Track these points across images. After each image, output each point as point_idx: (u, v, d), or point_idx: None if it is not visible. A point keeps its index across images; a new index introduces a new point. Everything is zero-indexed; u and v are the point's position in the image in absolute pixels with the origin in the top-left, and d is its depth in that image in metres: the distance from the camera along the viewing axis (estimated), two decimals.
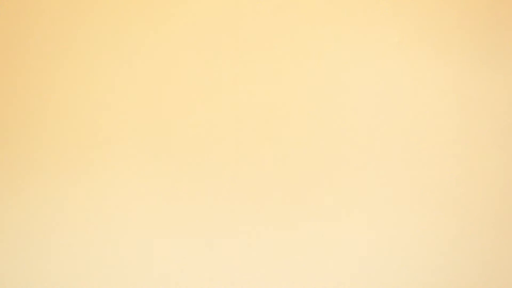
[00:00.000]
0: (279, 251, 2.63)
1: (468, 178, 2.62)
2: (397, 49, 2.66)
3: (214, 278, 2.64)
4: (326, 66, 2.68)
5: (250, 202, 2.64)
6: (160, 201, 2.66)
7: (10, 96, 2.72)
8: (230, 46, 2.70)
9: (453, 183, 2.62)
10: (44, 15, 2.74)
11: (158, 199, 2.66)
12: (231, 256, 2.64)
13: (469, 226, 2.61)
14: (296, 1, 2.70)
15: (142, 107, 2.69)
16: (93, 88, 2.71)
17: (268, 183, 2.64)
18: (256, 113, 2.67)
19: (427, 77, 2.66)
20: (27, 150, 2.70)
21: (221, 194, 2.65)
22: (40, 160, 2.69)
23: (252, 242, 2.64)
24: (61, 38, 2.73)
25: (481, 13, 2.67)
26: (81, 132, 2.69)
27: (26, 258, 2.67)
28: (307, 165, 2.64)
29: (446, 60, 2.66)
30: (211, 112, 2.68)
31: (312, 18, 2.69)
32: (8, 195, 2.68)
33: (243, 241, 2.64)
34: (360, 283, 2.61)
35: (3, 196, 2.69)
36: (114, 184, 2.67)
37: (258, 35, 2.69)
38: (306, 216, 2.63)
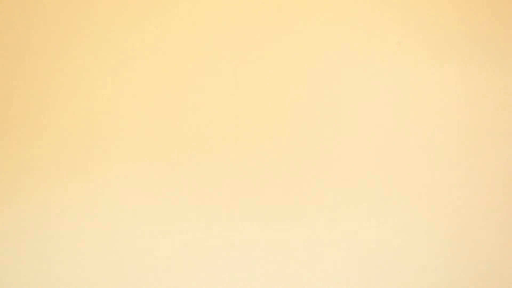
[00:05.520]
0: (279, 248, 2.64)
1: (468, 177, 2.62)
2: (397, 49, 2.67)
3: (215, 276, 2.64)
4: (327, 66, 2.68)
5: (250, 200, 2.64)
6: (160, 200, 2.66)
7: (9, 95, 2.72)
8: (230, 46, 2.70)
9: (454, 182, 2.63)
10: (44, 15, 2.74)
11: (158, 198, 2.66)
12: (231, 253, 2.64)
13: (469, 225, 2.62)
14: (296, 1, 2.70)
15: (141, 106, 2.69)
16: (92, 88, 2.71)
17: (269, 182, 2.65)
18: (256, 112, 2.67)
19: (428, 76, 2.66)
20: (25, 149, 2.69)
21: (220, 193, 2.65)
22: (38, 160, 2.69)
23: (252, 239, 2.64)
24: (60, 37, 2.73)
25: (481, 13, 2.67)
26: (80, 131, 2.69)
27: (24, 257, 2.67)
28: (308, 163, 2.65)
29: (447, 60, 2.66)
30: (211, 110, 2.68)
31: (312, 18, 2.70)
32: (7, 194, 2.68)
33: (243, 239, 2.64)
34: (359, 280, 2.61)
35: (2, 194, 2.69)
36: (113, 184, 2.67)
37: (258, 34, 2.69)
38: (307, 214, 2.63)
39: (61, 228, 2.67)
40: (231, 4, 2.71)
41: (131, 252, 2.65)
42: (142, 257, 2.65)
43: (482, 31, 2.67)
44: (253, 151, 2.66)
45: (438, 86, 2.66)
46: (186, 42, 2.71)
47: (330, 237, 2.63)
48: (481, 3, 2.68)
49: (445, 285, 2.60)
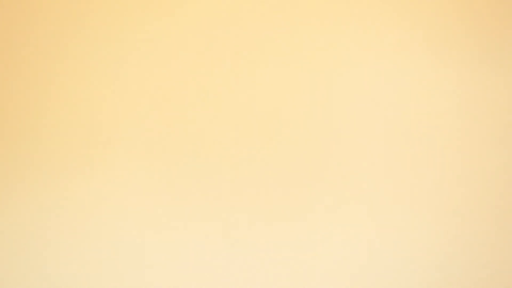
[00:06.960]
0: (280, 247, 2.64)
1: (468, 177, 2.62)
2: (397, 49, 2.67)
3: (216, 275, 2.64)
4: (327, 66, 2.68)
5: (251, 201, 2.64)
6: (161, 201, 2.66)
7: (10, 95, 2.72)
8: (230, 47, 2.70)
9: (453, 182, 2.63)
10: (44, 14, 2.74)
11: (158, 198, 2.66)
12: (231, 253, 2.64)
13: (469, 225, 2.62)
14: (296, 2, 2.70)
15: (141, 107, 2.69)
16: (93, 88, 2.71)
17: (269, 182, 2.65)
18: (256, 113, 2.67)
19: (427, 77, 2.66)
20: (26, 149, 2.70)
21: (220, 193, 2.65)
22: (38, 159, 2.69)
23: (253, 239, 2.64)
24: (61, 36, 2.73)
25: (481, 13, 2.67)
26: (80, 131, 2.69)
27: (23, 257, 2.67)
28: (308, 164, 2.65)
29: (446, 60, 2.66)
30: (211, 111, 2.68)
31: (312, 19, 2.70)
32: (7, 194, 2.68)
33: (244, 239, 2.64)
34: (360, 279, 2.61)
35: (2, 195, 2.69)
36: (114, 184, 2.67)
37: (258, 35, 2.70)
38: (307, 214, 2.63)
39: (61, 229, 2.67)
40: (230, 5, 2.71)
41: (131, 252, 2.65)
42: (142, 257, 2.65)
43: (482, 31, 2.67)
44: (253, 152, 2.66)
45: (438, 86, 2.66)
46: (186, 43, 2.71)
47: (330, 237, 2.63)
48: (481, 3, 2.68)
49: (445, 285, 2.60)
